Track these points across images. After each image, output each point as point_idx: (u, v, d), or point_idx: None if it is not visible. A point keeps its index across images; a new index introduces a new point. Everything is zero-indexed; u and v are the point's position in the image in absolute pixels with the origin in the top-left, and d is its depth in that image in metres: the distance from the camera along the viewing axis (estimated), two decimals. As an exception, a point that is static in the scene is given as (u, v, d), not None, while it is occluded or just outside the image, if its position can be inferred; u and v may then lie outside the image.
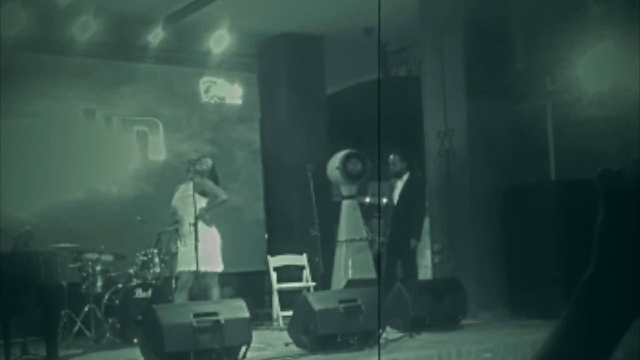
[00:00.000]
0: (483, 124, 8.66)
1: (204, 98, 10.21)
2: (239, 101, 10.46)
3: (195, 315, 5.93)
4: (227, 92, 10.38)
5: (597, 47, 8.39)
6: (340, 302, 6.62)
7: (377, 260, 10.72)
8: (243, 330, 6.12)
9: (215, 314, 6.01)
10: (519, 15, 9.01)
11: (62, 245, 7.82)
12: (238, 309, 6.20)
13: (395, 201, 8.67)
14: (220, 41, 9.86)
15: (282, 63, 10.48)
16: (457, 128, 8.72)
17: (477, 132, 8.67)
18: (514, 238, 8.56)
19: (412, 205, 8.43)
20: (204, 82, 10.22)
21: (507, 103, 8.75)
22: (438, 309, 7.53)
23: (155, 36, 9.48)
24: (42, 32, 8.95)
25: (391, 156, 8.64)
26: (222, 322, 5.96)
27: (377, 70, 11.54)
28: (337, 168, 9.82)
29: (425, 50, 9.27)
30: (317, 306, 6.53)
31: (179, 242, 7.58)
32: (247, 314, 6.19)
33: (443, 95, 8.87)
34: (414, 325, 7.28)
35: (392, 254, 8.75)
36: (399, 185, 8.66)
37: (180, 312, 6.06)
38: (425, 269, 13.43)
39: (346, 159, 9.87)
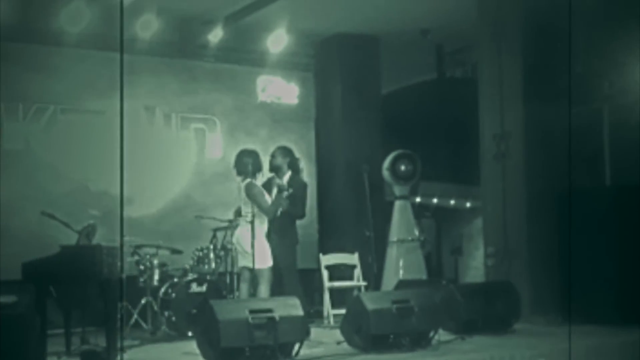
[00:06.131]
0: (540, 128, 8.60)
1: (261, 97, 10.32)
2: (295, 100, 10.56)
3: (251, 312, 6.01)
4: (284, 91, 10.47)
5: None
6: (394, 302, 6.65)
7: (427, 260, 10.73)
8: (297, 328, 6.19)
9: (270, 310, 6.09)
10: (579, 19, 8.93)
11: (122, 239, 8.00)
12: (292, 306, 6.26)
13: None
14: (278, 41, 9.97)
15: (338, 63, 10.54)
16: (513, 131, 8.68)
17: (533, 136, 8.62)
18: (568, 243, 8.48)
19: (290, 205, 7.75)
20: (261, 81, 10.34)
21: (564, 107, 8.67)
22: (491, 312, 7.50)
23: (215, 35, 9.61)
24: (105, 29, 9.14)
25: (272, 149, 8.19)
26: (277, 319, 6.03)
27: (433, 71, 11.57)
28: (387, 169, 9.88)
29: (483, 52, 9.24)
30: (370, 306, 6.57)
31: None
32: (301, 312, 6.25)
33: (500, 98, 8.83)
34: (466, 328, 7.27)
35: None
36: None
37: (236, 308, 6.14)
38: (475, 271, 13.41)
39: (395, 160, 9.92)
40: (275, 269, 7.62)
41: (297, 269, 8.14)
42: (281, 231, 7.83)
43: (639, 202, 8.22)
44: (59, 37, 8.87)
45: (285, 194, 7.50)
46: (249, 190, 7.43)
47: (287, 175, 8.09)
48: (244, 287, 7.56)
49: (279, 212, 7.66)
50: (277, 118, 10.35)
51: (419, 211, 12.54)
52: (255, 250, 7.25)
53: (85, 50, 9.11)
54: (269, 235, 7.60)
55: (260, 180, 7.72)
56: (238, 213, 7.57)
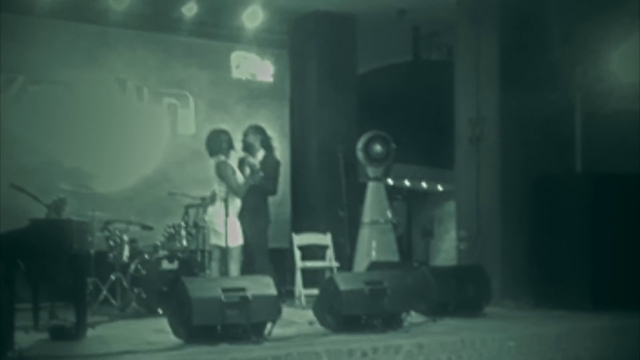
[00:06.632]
0: (516, 113, 8.62)
1: (235, 74, 10.20)
2: (269, 78, 10.44)
3: (224, 290, 5.95)
4: (258, 68, 10.36)
5: (631, 40, 8.36)
6: (366, 283, 6.64)
7: (398, 242, 10.74)
8: (270, 307, 6.13)
9: (243, 289, 6.02)
10: (555, 6, 8.94)
11: (92, 214, 7.89)
12: (266, 285, 6.22)
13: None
14: (253, 17, 9.87)
15: (314, 41, 10.45)
16: (489, 116, 8.69)
17: (509, 121, 8.63)
18: (540, 228, 8.54)
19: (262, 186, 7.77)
20: (235, 57, 10.21)
21: (540, 93, 8.70)
22: (462, 295, 7.52)
23: (190, 9, 9.50)
24: (77, 0, 8.97)
25: (245, 128, 8.17)
26: (250, 298, 5.98)
27: (409, 53, 11.53)
28: (360, 150, 9.85)
29: (460, 36, 9.22)
30: (343, 287, 6.55)
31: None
32: (274, 291, 6.20)
33: (476, 82, 8.84)
34: (437, 310, 7.29)
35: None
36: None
37: (208, 286, 6.07)
38: (445, 254, 13.48)
39: (369, 141, 9.88)
40: (246, 248, 7.59)
41: (267, 248, 8.10)
42: (254, 210, 7.79)
43: (609, 188, 8.29)
44: (31, 6, 8.67)
45: (257, 176, 7.47)
46: (220, 168, 7.40)
47: (260, 154, 8.05)
48: (215, 266, 7.52)
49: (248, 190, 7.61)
50: (252, 95, 10.24)
51: (391, 193, 12.55)
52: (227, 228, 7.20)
53: (57, 20, 8.92)
54: (241, 214, 7.56)
55: (234, 158, 7.68)
56: (214, 195, 7.52)
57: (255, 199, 7.77)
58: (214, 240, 7.49)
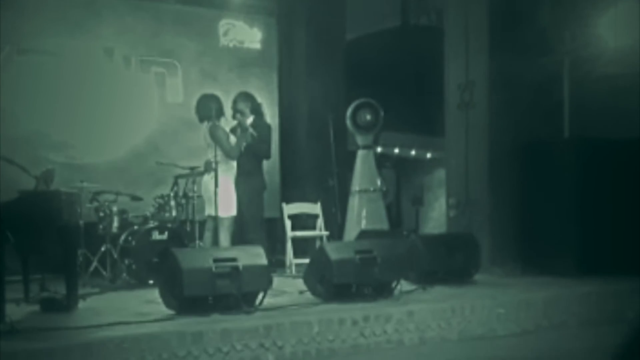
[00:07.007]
0: (504, 79, 8.58)
1: (223, 41, 10.11)
2: (257, 45, 10.37)
3: (215, 261, 5.96)
4: (246, 35, 10.27)
5: (619, 4, 8.32)
6: (357, 252, 6.65)
7: (388, 210, 10.76)
8: (261, 277, 6.15)
9: (234, 259, 6.04)
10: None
11: (80, 185, 7.85)
12: (256, 255, 6.22)
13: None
14: (241, -17, 9.80)
15: (302, 7, 10.36)
16: (478, 81, 8.65)
17: (498, 86, 8.59)
18: (528, 194, 8.56)
19: (256, 145, 7.82)
20: (223, 24, 10.11)
21: (529, 58, 8.66)
22: (452, 263, 7.55)
23: (178, -24, 9.42)
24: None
25: (235, 96, 8.11)
26: (241, 268, 5.99)
27: (397, 18, 11.44)
28: (349, 118, 9.82)
29: (450, 0, 9.14)
30: (333, 256, 6.56)
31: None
32: (265, 261, 6.21)
33: (465, 47, 8.77)
34: (427, 278, 7.33)
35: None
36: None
37: (199, 257, 6.08)
38: (433, 221, 13.52)
39: (357, 109, 9.85)
40: (239, 217, 7.57)
41: (262, 217, 8.09)
42: (248, 174, 7.77)
43: (597, 154, 8.31)
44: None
45: (247, 134, 7.47)
46: (213, 131, 7.36)
47: (251, 119, 8.04)
48: (209, 236, 7.51)
49: (242, 150, 7.59)
50: (240, 63, 10.17)
51: (380, 161, 12.55)
52: (220, 198, 7.19)
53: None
54: (237, 180, 7.54)
55: (225, 125, 7.67)
56: (209, 164, 7.48)
57: (249, 162, 7.77)
58: (208, 210, 7.48)
